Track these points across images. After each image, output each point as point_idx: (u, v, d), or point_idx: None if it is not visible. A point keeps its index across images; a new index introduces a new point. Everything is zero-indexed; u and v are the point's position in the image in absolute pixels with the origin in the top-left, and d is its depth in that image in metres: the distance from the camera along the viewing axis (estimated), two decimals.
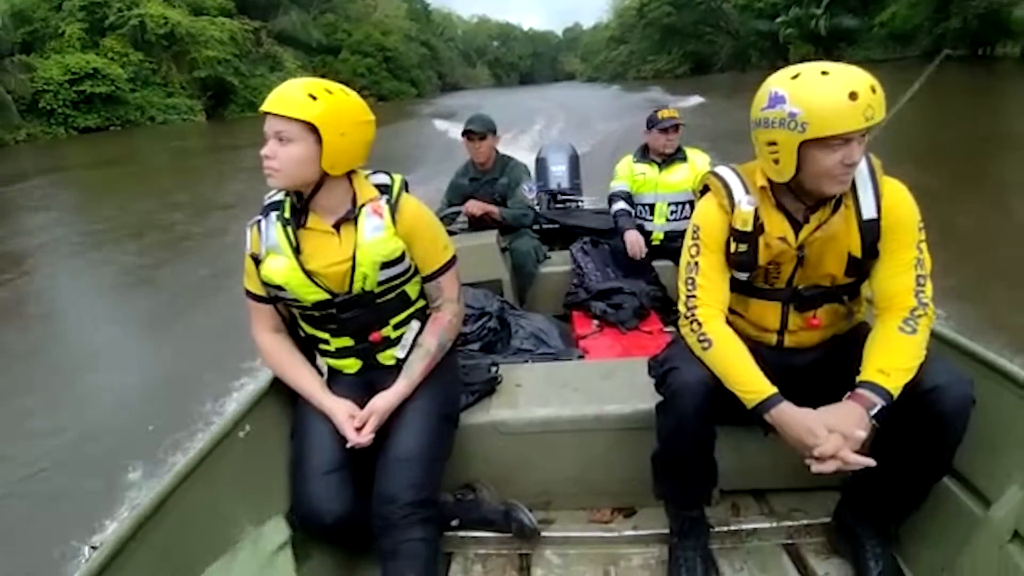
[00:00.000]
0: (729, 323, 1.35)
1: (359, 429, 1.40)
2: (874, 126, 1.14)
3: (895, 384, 1.16)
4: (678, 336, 1.42)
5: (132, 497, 2.87)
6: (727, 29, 48.65)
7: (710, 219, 1.35)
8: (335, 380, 1.54)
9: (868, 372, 1.19)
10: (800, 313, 1.38)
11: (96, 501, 2.89)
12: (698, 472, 1.39)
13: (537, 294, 3.05)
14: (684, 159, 2.98)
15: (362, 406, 1.43)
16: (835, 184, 1.19)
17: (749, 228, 1.30)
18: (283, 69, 38.80)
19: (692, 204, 2.82)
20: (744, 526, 1.56)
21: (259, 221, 1.43)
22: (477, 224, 3.12)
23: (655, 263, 2.95)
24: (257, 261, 1.43)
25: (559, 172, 4.26)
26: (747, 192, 1.31)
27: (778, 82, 1.19)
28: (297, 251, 1.39)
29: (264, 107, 1.31)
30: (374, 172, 1.49)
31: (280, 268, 1.39)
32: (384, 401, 1.42)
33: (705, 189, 1.40)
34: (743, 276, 1.36)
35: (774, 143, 1.20)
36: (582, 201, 4.14)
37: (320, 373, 1.55)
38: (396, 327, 1.50)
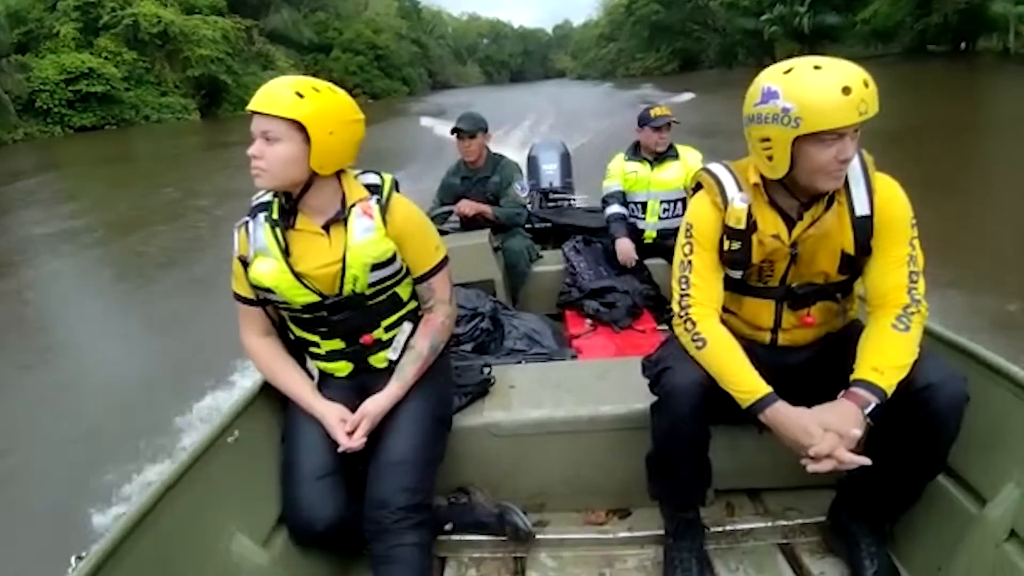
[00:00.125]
0: (723, 322, 1.34)
1: (351, 433, 1.38)
2: (867, 120, 1.13)
3: (889, 382, 1.16)
4: (672, 335, 1.41)
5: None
6: (714, 27, 49.14)
7: (703, 217, 1.34)
8: (326, 383, 1.52)
9: (862, 370, 1.18)
10: (794, 311, 1.37)
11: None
12: (693, 473, 1.38)
13: (530, 294, 3.04)
14: (676, 157, 2.97)
15: (353, 409, 1.41)
16: (829, 180, 1.19)
17: (742, 226, 1.29)
18: (275, 67, 38.90)
19: (684, 202, 2.84)
20: (739, 526, 1.55)
21: (246, 223, 1.41)
22: (469, 224, 3.11)
23: (648, 261, 2.94)
24: (245, 263, 1.40)
25: (550, 171, 4.25)
26: (740, 189, 1.30)
27: (770, 77, 1.18)
28: (286, 253, 1.36)
29: (251, 106, 1.29)
30: (364, 172, 1.47)
31: (269, 270, 1.37)
32: (376, 405, 1.40)
33: (698, 187, 1.39)
34: (737, 274, 1.35)
35: (767, 139, 1.19)
36: (574, 199, 4.14)
37: (311, 376, 1.53)
38: (388, 329, 1.48)
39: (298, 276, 1.36)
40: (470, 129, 2.97)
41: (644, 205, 3.00)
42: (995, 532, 1.20)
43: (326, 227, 1.39)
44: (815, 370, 1.36)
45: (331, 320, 1.42)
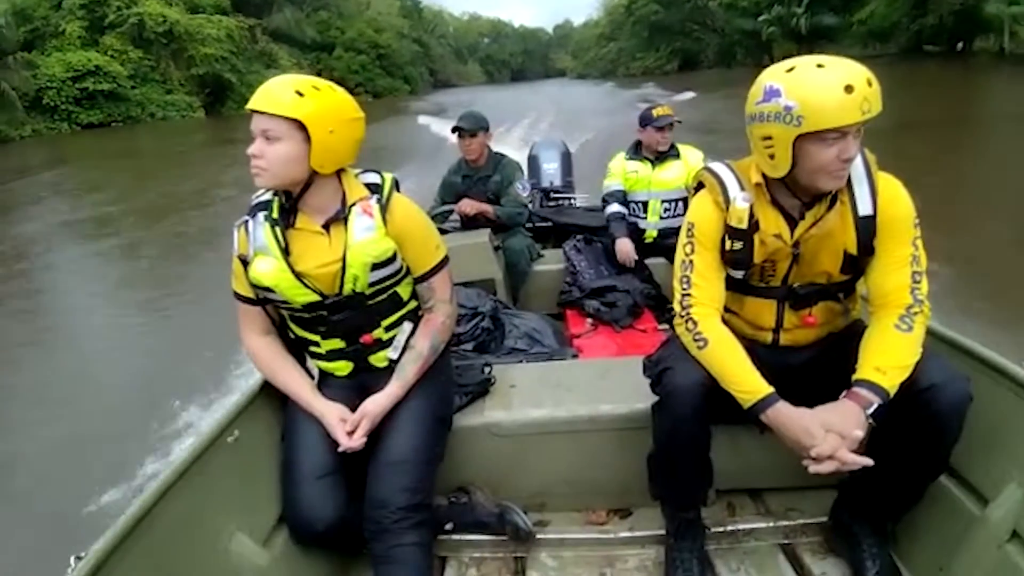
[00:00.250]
0: (724, 321, 1.33)
1: (351, 433, 1.38)
2: (870, 119, 1.13)
3: (892, 382, 1.15)
4: (673, 335, 1.40)
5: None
6: (713, 27, 49.41)
7: (705, 216, 1.33)
8: (326, 383, 1.51)
9: (864, 370, 1.18)
10: (796, 311, 1.36)
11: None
12: (694, 473, 1.38)
13: (530, 293, 3.04)
14: (677, 156, 2.96)
15: (354, 409, 1.41)
16: (831, 180, 1.18)
17: (744, 225, 1.28)
18: (278, 66, 39.04)
19: (686, 201, 2.83)
20: (740, 526, 1.55)
21: (246, 222, 1.40)
22: (469, 223, 3.10)
23: (649, 261, 2.94)
24: (245, 262, 1.40)
25: (551, 170, 4.25)
26: (742, 189, 1.30)
27: (773, 76, 1.17)
28: (286, 252, 1.36)
29: (250, 105, 1.28)
30: (364, 171, 1.47)
31: (269, 270, 1.36)
32: (376, 404, 1.40)
33: (699, 186, 1.39)
34: (738, 274, 1.35)
35: (769, 137, 1.18)
36: (574, 199, 4.13)
37: (311, 376, 1.52)
38: (388, 329, 1.47)
39: (298, 275, 1.36)
40: (471, 128, 2.97)
41: (645, 204, 2.99)
42: (997, 533, 1.20)
43: (326, 226, 1.38)
44: (817, 370, 1.36)
45: (331, 319, 1.42)
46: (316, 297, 1.38)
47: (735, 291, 1.38)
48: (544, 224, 3.66)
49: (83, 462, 3.25)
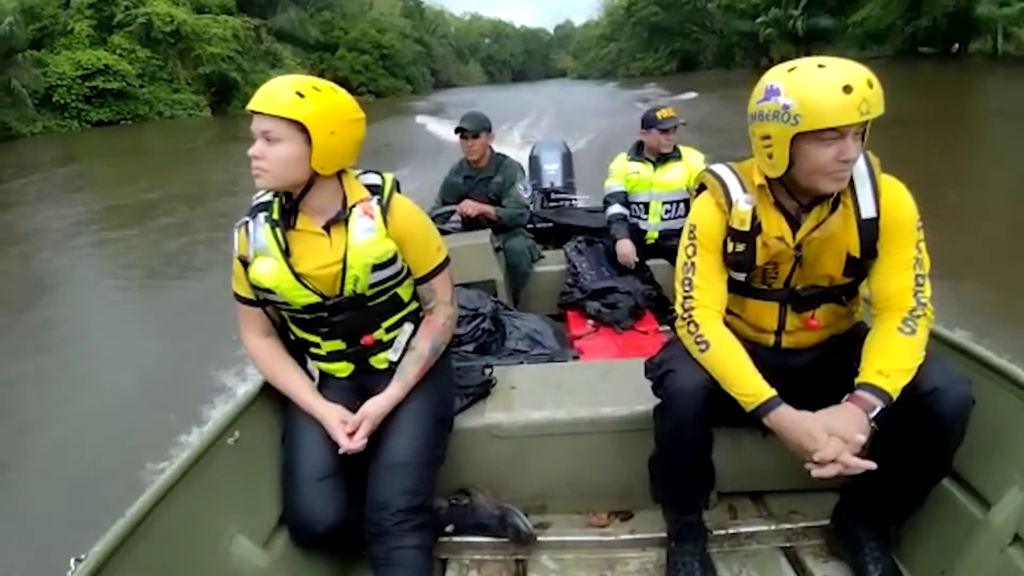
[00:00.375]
0: (726, 324, 1.33)
1: (351, 435, 1.38)
2: (869, 121, 1.12)
3: (894, 386, 1.15)
4: (675, 337, 1.40)
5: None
6: (712, 28, 49.72)
7: (707, 218, 1.33)
8: (326, 384, 1.51)
9: (867, 374, 1.17)
10: (798, 314, 1.36)
11: None
12: (696, 476, 1.38)
13: (531, 294, 3.03)
14: (679, 158, 2.95)
15: (354, 410, 1.41)
16: (830, 181, 1.17)
17: (747, 227, 1.28)
18: (283, 66, 39.50)
19: (687, 203, 2.83)
20: (742, 529, 1.54)
21: (246, 223, 1.40)
22: (470, 223, 3.09)
23: (650, 262, 2.93)
24: (245, 263, 1.39)
25: (552, 171, 4.24)
26: (744, 191, 1.29)
27: (775, 75, 1.17)
28: (286, 253, 1.36)
29: (251, 106, 1.28)
30: (364, 172, 1.46)
31: (269, 271, 1.36)
32: (376, 406, 1.40)
33: (701, 187, 1.38)
34: (740, 276, 1.34)
35: (768, 136, 1.18)
36: (575, 199, 4.13)
37: (311, 377, 1.52)
38: (388, 330, 1.47)
39: (298, 276, 1.35)
40: (474, 129, 2.96)
41: (646, 206, 2.99)
42: (999, 536, 1.19)
43: (327, 227, 1.38)
44: (819, 373, 1.35)
45: (332, 321, 1.42)
46: (316, 298, 1.38)
47: (737, 293, 1.38)
48: (545, 225, 3.66)
49: None
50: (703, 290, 1.31)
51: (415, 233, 1.44)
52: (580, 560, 1.54)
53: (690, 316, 1.30)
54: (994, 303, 4.21)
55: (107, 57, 32.18)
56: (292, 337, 1.51)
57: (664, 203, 2.95)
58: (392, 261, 1.40)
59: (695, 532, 1.45)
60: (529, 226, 3.35)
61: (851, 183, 1.24)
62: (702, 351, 1.26)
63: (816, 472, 1.13)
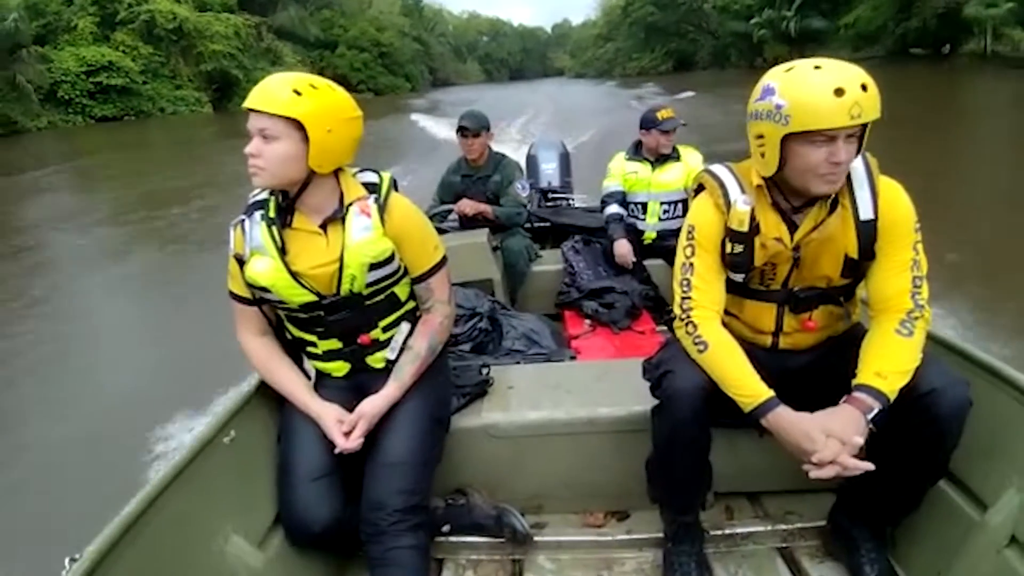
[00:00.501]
0: (724, 324, 1.33)
1: (347, 434, 1.37)
2: (862, 124, 1.12)
3: (892, 387, 1.15)
4: (672, 338, 1.40)
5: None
6: (707, 29, 49.97)
7: (705, 219, 1.32)
8: (323, 383, 1.51)
9: (864, 375, 1.17)
10: (795, 315, 1.36)
11: None
12: (693, 476, 1.37)
13: (529, 293, 3.03)
14: (677, 158, 2.95)
15: (351, 410, 1.40)
16: (821, 183, 1.17)
17: (745, 228, 1.28)
18: (283, 63, 39.80)
19: (685, 203, 2.82)
20: (738, 529, 1.54)
21: (243, 221, 1.39)
22: (468, 223, 3.09)
23: (647, 262, 2.93)
24: (241, 262, 1.39)
25: (550, 170, 4.24)
26: (743, 191, 1.29)
27: (772, 75, 1.18)
28: (283, 252, 1.35)
29: (247, 103, 1.27)
30: (362, 170, 1.46)
31: (265, 269, 1.35)
32: (373, 405, 1.39)
33: (699, 188, 1.38)
34: (738, 277, 1.34)
35: (761, 136, 1.19)
36: (573, 199, 4.12)
37: (307, 376, 1.51)
38: (385, 329, 1.46)
39: (295, 275, 1.34)
40: (475, 127, 2.96)
41: (644, 206, 2.98)
42: (996, 538, 1.19)
43: (323, 226, 1.37)
44: (816, 374, 1.35)
45: (328, 320, 1.41)
46: (313, 297, 1.37)
47: (735, 294, 1.37)
48: (542, 224, 3.65)
49: None
50: (701, 291, 1.31)
51: (412, 232, 1.43)
52: (576, 560, 1.54)
53: (688, 317, 1.30)
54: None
55: (111, 54, 32.52)
56: (288, 336, 1.51)
57: (662, 203, 2.95)
58: (389, 260, 1.39)
59: (692, 532, 1.45)
60: (526, 225, 3.35)
61: (849, 184, 1.24)
62: (700, 352, 1.26)
63: (814, 473, 1.13)
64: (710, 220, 1.32)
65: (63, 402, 3.97)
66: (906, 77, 19.52)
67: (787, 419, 1.17)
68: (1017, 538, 1.17)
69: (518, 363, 2.13)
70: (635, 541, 1.56)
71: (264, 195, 1.40)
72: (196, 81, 36.57)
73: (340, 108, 1.31)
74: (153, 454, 3.17)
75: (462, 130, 2.98)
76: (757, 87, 1.19)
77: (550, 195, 4.10)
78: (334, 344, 1.45)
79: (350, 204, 1.37)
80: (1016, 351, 3.35)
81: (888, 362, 1.17)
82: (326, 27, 51.02)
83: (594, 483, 1.64)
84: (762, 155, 1.20)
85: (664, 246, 2.87)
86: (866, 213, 1.24)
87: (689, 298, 1.31)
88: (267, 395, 1.50)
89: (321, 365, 1.51)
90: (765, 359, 1.31)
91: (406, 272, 1.46)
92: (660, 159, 2.94)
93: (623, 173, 3.01)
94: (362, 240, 1.36)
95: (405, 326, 1.48)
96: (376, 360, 1.48)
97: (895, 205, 1.24)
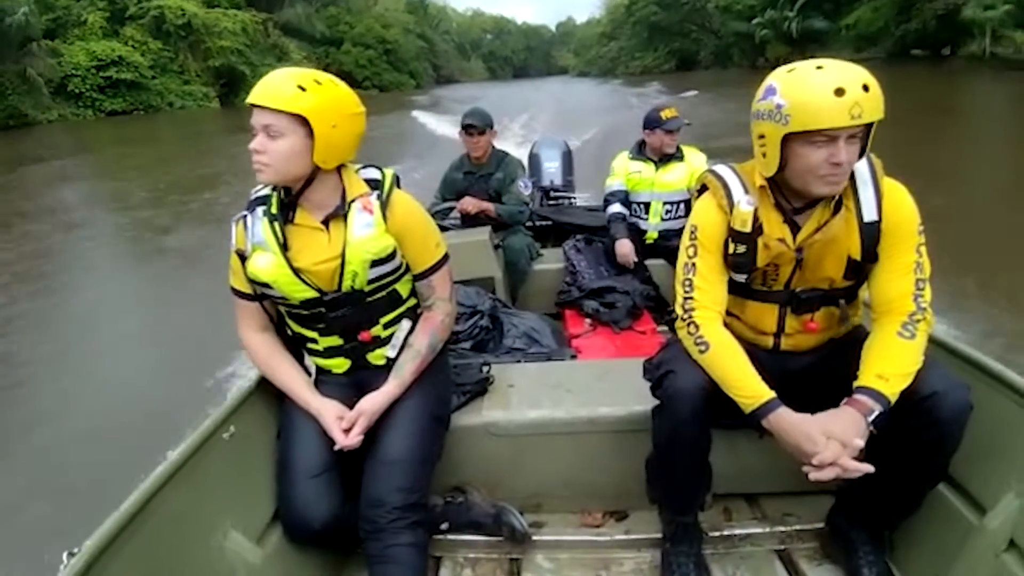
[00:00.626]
0: (725, 325, 1.32)
1: (347, 431, 1.37)
2: (874, 124, 1.12)
3: (893, 390, 1.14)
4: (673, 338, 1.39)
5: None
6: (710, 28, 50.19)
7: (708, 219, 1.32)
8: (323, 380, 1.51)
9: (866, 377, 1.17)
10: (797, 316, 1.35)
11: None
12: (693, 477, 1.37)
13: (530, 292, 3.02)
14: (681, 158, 2.94)
15: (351, 407, 1.40)
16: (822, 184, 1.17)
17: (748, 229, 1.27)
18: (289, 59, 40.13)
19: (688, 203, 2.82)
20: (737, 531, 1.54)
21: (245, 216, 1.39)
22: (470, 220, 3.09)
23: (649, 262, 2.92)
24: (243, 257, 1.39)
25: (552, 168, 4.23)
26: (746, 192, 1.29)
27: (775, 75, 1.18)
28: (284, 248, 1.35)
29: (251, 99, 1.26)
30: (364, 166, 1.45)
31: (267, 265, 1.35)
32: (373, 402, 1.39)
33: (703, 188, 1.38)
34: (741, 278, 1.34)
35: (763, 135, 1.19)
36: (575, 198, 4.12)
37: (308, 373, 1.51)
38: (386, 326, 1.46)
39: (296, 271, 1.34)
40: (479, 125, 2.96)
41: (647, 205, 2.98)
42: (994, 542, 1.19)
43: (325, 222, 1.37)
44: (818, 375, 1.35)
45: (329, 316, 1.41)
46: (314, 293, 1.37)
47: (737, 295, 1.37)
48: (544, 223, 3.65)
49: None
50: (703, 291, 1.31)
51: (414, 229, 1.43)
52: (575, 560, 1.54)
53: (690, 317, 1.30)
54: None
55: (121, 48, 33.00)
56: (289, 332, 1.51)
57: (665, 203, 2.95)
58: (391, 257, 1.39)
59: (690, 533, 1.45)
60: (528, 224, 3.35)
61: (853, 186, 1.23)
62: (702, 352, 1.26)
63: (814, 475, 1.13)
64: (713, 220, 1.31)
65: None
66: (906, 78, 19.65)
67: (788, 420, 1.17)
68: (1016, 542, 1.17)
69: (518, 362, 2.13)
70: (633, 541, 1.56)
71: (266, 191, 1.40)
72: (204, 76, 36.97)
73: (344, 103, 1.31)
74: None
75: (467, 128, 2.98)
76: (760, 87, 1.19)
77: (552, 193, 4.09)
78: (335, 340, 1.45)
79: (352, 200, 1.37)
80: (1016, 352, 3.35)
81: (890, 364, 1.17)
82: (332, 24, 51.35)
83: (593, 483, 1.64)
84: (763, 155, 1.20)
85: (666, 246, 2.86)
86: (870, 215, 1.23)
87: (691, 298, 1.31)
88: (267, 391, 1.50)
89: (321, 362, 1.51)
90: (766, 360, 1.31)
91: (408, 269, 1.46)
92: (664, 159, 2.93)
93: (626, 172, 3.00)
94: (364, 236, 1.36)
95: (406, 323, 1.48)
96: (376, 357, 1.47)
97: (899, 207, 1.23)
